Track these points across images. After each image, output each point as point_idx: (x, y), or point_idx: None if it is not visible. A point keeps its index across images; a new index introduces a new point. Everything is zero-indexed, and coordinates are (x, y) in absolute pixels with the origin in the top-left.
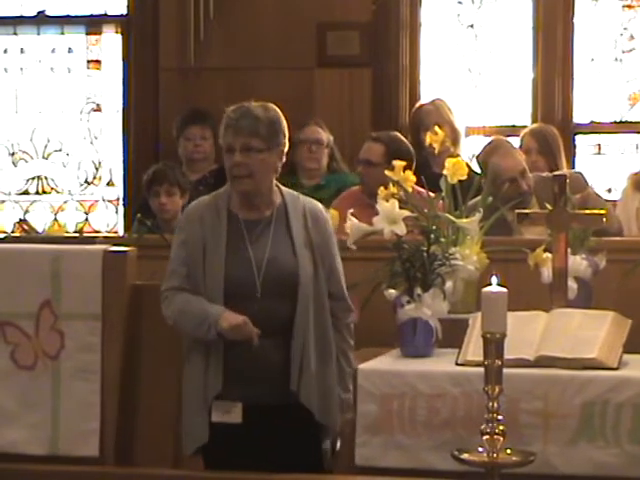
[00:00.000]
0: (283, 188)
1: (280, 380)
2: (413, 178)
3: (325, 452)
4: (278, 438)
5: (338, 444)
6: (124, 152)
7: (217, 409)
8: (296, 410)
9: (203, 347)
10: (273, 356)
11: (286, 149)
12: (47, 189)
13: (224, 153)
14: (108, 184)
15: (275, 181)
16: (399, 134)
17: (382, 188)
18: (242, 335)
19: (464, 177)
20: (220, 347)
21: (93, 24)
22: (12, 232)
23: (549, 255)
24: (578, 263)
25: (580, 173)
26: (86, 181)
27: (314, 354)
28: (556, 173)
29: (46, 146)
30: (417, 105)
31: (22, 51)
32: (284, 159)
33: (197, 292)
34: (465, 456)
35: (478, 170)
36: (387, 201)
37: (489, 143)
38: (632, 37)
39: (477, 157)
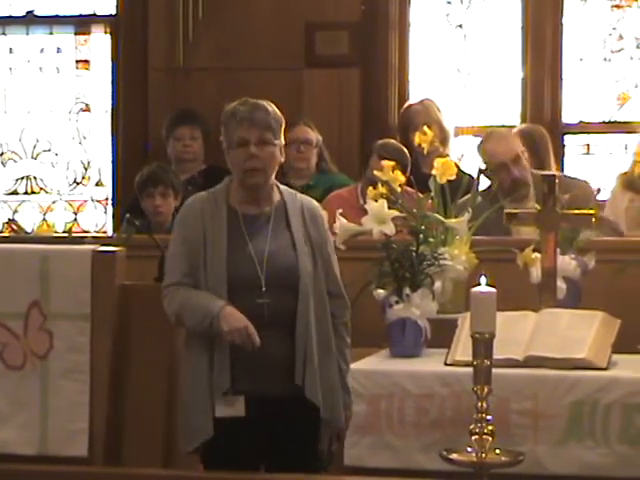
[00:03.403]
0: (281, 186)
1: (284, 373)
2: (402, 178)
3: (322, 451)
4: (281, 431)
5: (335, 443)
6: (113, 152)
7: (220, 404)
8: (300, 403)
9: (207, 343)
10: (278, 349)
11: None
12: (36, 189)
13: (233, 147)
14: (97, 184)
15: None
16: (397, 142)
17: (371, 188)
18: (240, 339)
19: (453, 177)
20: (225, 343)
21: (82, 24)
22: (1, 232)
23: (538, 255)
24: (567, 263)
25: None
26: (75, 181)
27: (316, 349)
28: (545, 173)
29: (35, 146)
30: (406, 105)
31: (11, 51)
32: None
33: (198, 287)
34: (454, 456)
35: (468, 170)
36: (376, 201)
37: (487, 132)
38: (621, 37)
39: (477, 147)
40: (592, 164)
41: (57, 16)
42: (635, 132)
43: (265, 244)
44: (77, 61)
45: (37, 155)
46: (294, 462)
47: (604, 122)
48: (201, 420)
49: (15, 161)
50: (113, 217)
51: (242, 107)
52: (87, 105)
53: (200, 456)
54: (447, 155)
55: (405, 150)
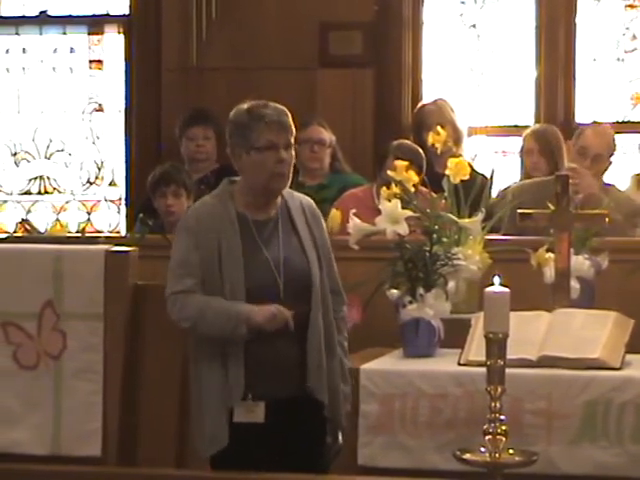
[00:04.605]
0: None
1: (295, 375)
2: (416, 178)
3: (327, 446)
4: (292, 431)
5: (340, 438)
6: (126, 152)
7: (239, 409)
8: (307, 403)
9: (220, 349)
10: (288, 352)
11: None
12: (49, 189)
13: (260, 150)
14: (110, 184)
15: None
16: (412, 143)
17: (384, 188)
18: (279, 323)
19: (466, 177)
20: (240, 348)
21: (95, 24)
22: (14, 232)
23: (551, 255)
24: (581, 263)
25: None
26: (88, 181)
27: (324, 350)
28: (558, 173)
29: (48, 146)
30: (419, 105)
31: (24, 51)
32: None
33: (213, 294)
34: (467, 456)
35: (481, 170)
36: (390, 201)
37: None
38: (634, 37)
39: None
40: None
41: (70, 16)
42: None
43: (278, 250)
44: (90, 61)
45: (50, 155)
46: (302, 461)
47: (617, 122)
48: (216, 428)
49: (28, 161)
50: (126, 217)
51: (268, 110)
52: (100, 105)
53: (210, 459)
54: (460, 155)
55: (420, 150)
